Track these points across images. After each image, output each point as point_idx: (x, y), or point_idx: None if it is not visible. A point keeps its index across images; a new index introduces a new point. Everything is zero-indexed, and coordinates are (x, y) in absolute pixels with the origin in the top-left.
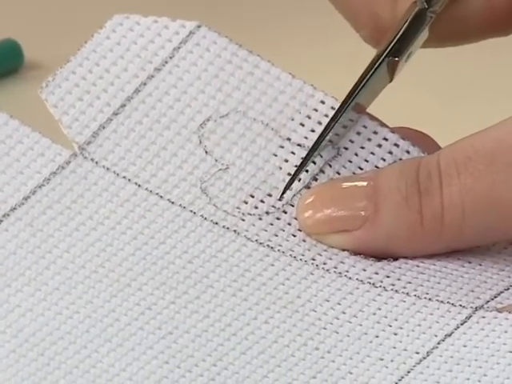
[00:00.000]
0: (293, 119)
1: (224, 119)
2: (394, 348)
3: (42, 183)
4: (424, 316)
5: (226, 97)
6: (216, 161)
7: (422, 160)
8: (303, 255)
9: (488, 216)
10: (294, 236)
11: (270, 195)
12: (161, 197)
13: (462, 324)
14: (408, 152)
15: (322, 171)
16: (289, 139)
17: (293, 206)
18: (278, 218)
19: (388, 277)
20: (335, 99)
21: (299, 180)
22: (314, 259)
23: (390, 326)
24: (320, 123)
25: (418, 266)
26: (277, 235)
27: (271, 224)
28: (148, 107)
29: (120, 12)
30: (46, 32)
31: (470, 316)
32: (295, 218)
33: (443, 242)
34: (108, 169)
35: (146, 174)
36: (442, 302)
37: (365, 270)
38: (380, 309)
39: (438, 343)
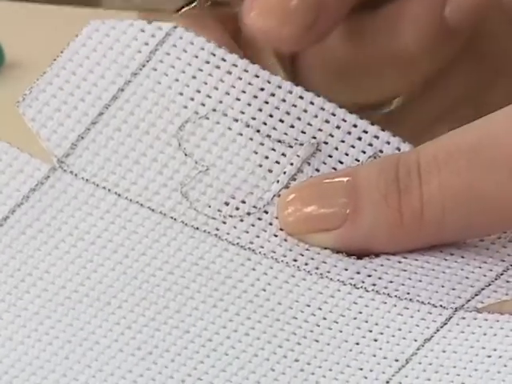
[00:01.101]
0: (272, 116)
1: (203, 120)
2: (374, 356)
3: (21, 201)
4: (404, 319)
5: (204, 97)
6: (196, 163)
7: (401, 157)
8: (285, 256)
9: (469, 213)
10: (276, 236)
11: (251, 193)
12: (141, 205)
13: (441, 327)
14: (388, 143)
15: (300, 170)
16: (269, 136)
17: (274, 205)
18: (259, 219)
19: (369, 276)
20: (314, 94)
21: (277, 181)
22: (295, 260)
23: (371, 332)
24: (299, 119)
25: (399, 262)
26: (258, 236)
27: (252, 225)
28: (126, 113)
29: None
30: (28, 32)
31: (451, 317)
32: (276, 218)
33: (423, 239)
34: (87, 180)
35: (125, 182)
36: (422, 302)
37: (346, 270)
38: (361, 312)
39: (418, 349)
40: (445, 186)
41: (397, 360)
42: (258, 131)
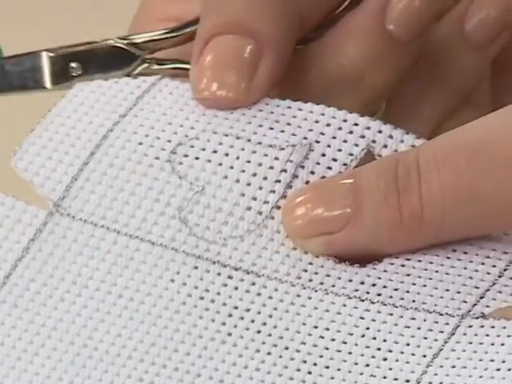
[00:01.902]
0: (261, 126)
1: (194, 141)
2: (385, 378)
3: (21, 255)
4: (412, 332)
5: (193, 123)
6: (191, 184)
7: (400, 156)
8: (288, 274)
9: (469, 212)
10: (278, 253)
11: (248, 209)
12: (141, 240)
13: (449, 338)
14: (380, 132)
15: (295, 176)
16: (260, 143)
17: (273, 218)
18: (260, 235)
19: (374, 285)
20: (302, 102)
21: (274, 192)
22: (299, 277)
23: (379, 350)
24: (289, 124)
25: (402, 266)
26: (260, 256)
27: (253, 244)
28: (117, 149)
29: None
30: (26, 34)
31: (458, 326)
32: (277, 232)
33: (423, 238)
34: (85, 221)
35: (123, 216)
36: (428, 311)
37: (351, 281)
38: (368, 328)
39: (427, 366)
40: (445, 185)
41: (408, 381)
42: (249, 140)
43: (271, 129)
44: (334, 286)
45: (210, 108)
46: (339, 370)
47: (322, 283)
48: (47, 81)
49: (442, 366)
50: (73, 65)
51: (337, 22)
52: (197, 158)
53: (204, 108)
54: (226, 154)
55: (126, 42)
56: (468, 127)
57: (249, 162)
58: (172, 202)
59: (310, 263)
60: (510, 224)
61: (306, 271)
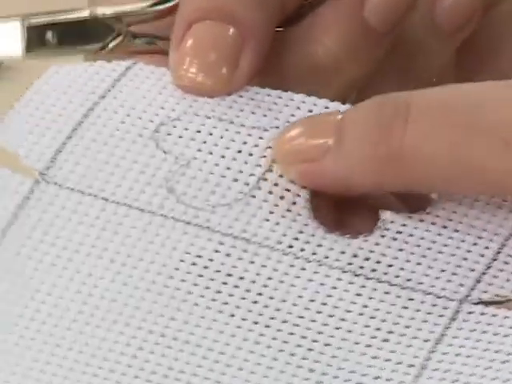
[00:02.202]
0: (242, 110)
1: (176, 121)
2: (389, 361)
3: (11, 221)
4: (411, 314)
5: (174, 105)
6: (177, 158)
7: (393, 95)
8: (280, 243)
9: (448, 170)
10: (267, 221)
11: (235, 180)
12: (129, 206)
13: (450, 323)
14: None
15: None
16: (243, 125)
17: (260, 189)
18: (247, 204)
19: (367, 259)
20: (281, 91)
21: (260, 165)
22: (290, 246)
23: (379, 330)
24: (270, 109)
25: (394, 240)
26: (250, 223)
27: (242, 212)
28: (100, 126)
29: None
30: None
31: (457, 311)
32: (265, 201)
33: (398, 179)
34: (72, 189)
35: (110, 185)
36: (425, 292)
37: (343, 253)
38: (366, 306)
39: (431, 351)
40: (431, 133)
41: (412, 365)
42: (232, 122)
43: (253, 113)
44: (327, 257)
45: (189, 94)
46: (340, 348)
47: (314, 253)
48: (22, 48)
49: (446, 353)
50: (48, 34)
51: (317, 5)
52: (180, 137)
53: (183, 93)
54: (210, 134)
55: (103, 13)
56: (465, 87)
57: (233, 140)
58: (158, 174)
59: (300, 231)
60: (489, 191)
61: (297, 239)
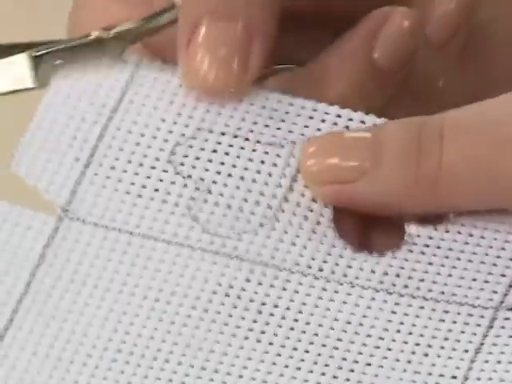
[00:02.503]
0: (256, 123)
1: (191, 141)
2: (430, 375)
3: (39, 262)
4: (448, 326)
5: (187, 119)
6: (196, 183)
7: (426, 120)
8: (310, 267)
9: (483, 185)
10: (294, 245)
11: (257, 203)
12: (155, 239)
13: (488, 331)
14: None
15: (299, 171)
16: (259, 142)
17: (283, 211)
18: (273, 229)
19: (398, 276)
20: (291, 96)
21: (280, 186)
22: (321, 269)
23: (418, 345)
24: (283, 121)
25: (423, 254)
26: (277, 249)
27: (268, 237)
28: (116, 150)
29: None
30: (24, 30)
31: (494, 319)
32: (290, 225)
33: (436, 202)
34: (96, 224)
35: (133, 217)
36: (460, 303)
37: (374, 272)
38: (402, 323)
39: (472, 362)
40: (464, 156)
41: (455, 377)
42: (247, 139)
43: (266, 126)
44: (357, 278)
45: (202, 97)
46: (381, 367)
47: (345, 275)
48: (33, 80)
49: (487, 362)
50: (57, 63)
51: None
52: (197, 159)
53: (194, 100)
54: (227, 154)
55: (109, 32)
56: (492, 102)
57: (250, 160)
58: (180, 202)
59: (328, 253)
60: None
61: (326, 262)
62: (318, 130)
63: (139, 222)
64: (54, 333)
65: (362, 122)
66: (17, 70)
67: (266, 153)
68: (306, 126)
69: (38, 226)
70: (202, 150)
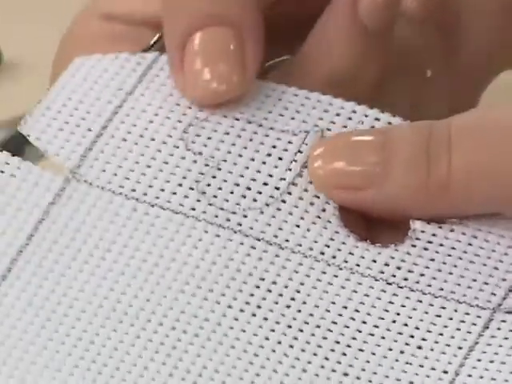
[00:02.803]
0: (271, 112)
1: (205, 122)
2: (422, 367)
3: (42, 218)
4: (444, 321)
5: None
6: (206, 160)
7: (433, 125)
8: (311, 249)
9: (494, 188)
10: (298, 227)
11: (265, 184)
12: (161, 207)
13: (483, 331)
14: (390, 123)
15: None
16: (272, 128)
17: (290, 194)
18: (278, 209)
19: (399, 268)
20: (308, 91)
21: (290, 170)
22: (322, 253)
23: (413, 337)
24: (298, 111)
25: (426, 250)
26: (281, 228)
27: (273, 216)
28: (129, 125)
29: None
30: (25, 31)
31: (490, 320)
32: (295, 207)
33: (447, 206)
34: (103, 188)
35: (141, 186)
36: (458, 301)
37: (375, 262)
38: (399, 314)
39: (465, 358)
40: (472, 161)
41: (446, 372)
42: (261, 125)
43: (281, 115)
44: (358, 265)
45: (205, 106)
46: (374, 354)
47: (346, 261)
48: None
49: (480, 360)
50: None
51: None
52: (209, 138)
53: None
54: (239, 136)
55: None
56: (499, 109)
57: (262, 144)
58: (188, 176)
59: (331, 238)
60: None
61: (328, 247)
62: (332, 122)
63: (146, 190)
64: (50, 286)
65: (377, 119)
66: None
67: (279, 139)
68: (321, 119)
69: (44, 183)
70: (215, 131)
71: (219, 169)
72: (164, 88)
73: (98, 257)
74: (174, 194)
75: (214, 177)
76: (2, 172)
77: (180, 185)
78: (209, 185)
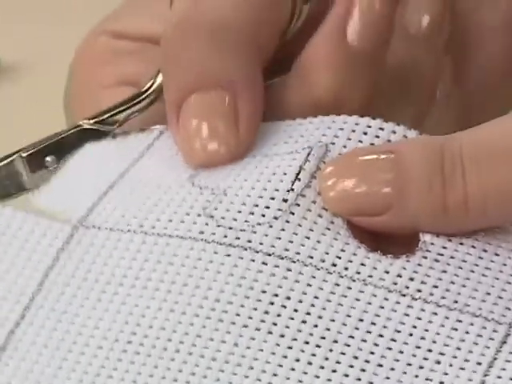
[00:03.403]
0: (276, 144)
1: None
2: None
3: (52, 263)
4: (460, 335)
5: None
6: (213, 189)
7: (445, 146)
8: (323, 261)
9: (509, 204)
10: (308, 238)
11: (272, 198)
12: (169, 236)
13: (501, 347)
14: (394, 132)
15: (318, 168)
16: (277, 154)
17: (298, 205)
18: (287, 221)
19: (412, 279)
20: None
21: (299, 180)
22: (334, 264)
23: (431, 352)
24: (302, 136)
25: (436, 261)
26: (291, 241)
27: (283, 229)
28: (138, 177)
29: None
30: (23, 35)
31: (508, 335)
32: (304, 219)
33: (466, 226)
34: (111, 229)
35: (148, 221)
36: (474, 314)
37: (387, 273)
38: (415, 327)
39: (485, 375)
40: (486, 181)
41: None
42: (266, 155)
43: (286, 143)
44: (371, 276)
45: (204, 167)
46: (393, 369)
47: (358, 272)
48: (27, 182)
49: (500, 377)
50: (48, 159)
51: (292, 43)
52: (214, 174)
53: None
54: (244, 168)
55: (92, 121)
56: (508, 126)
57: (267, 167)
58: (195, 205)
59: (342, 250)
60: None
61: (339, 258)
62: (336, 136)
63: (154, 224)
64: (64, 327)
65: (381, 128)
66: (13, 172)
67: (283, 159)
68: (324, 135)
69: (53, 233)
70: (222, 168)
71: (225, 194)
72: (170, 151)
73: (111, 293)
74: (182, 222)
75: (220, 201)
76: (9, 226)
77: (187, 214)
78: (216, 209)
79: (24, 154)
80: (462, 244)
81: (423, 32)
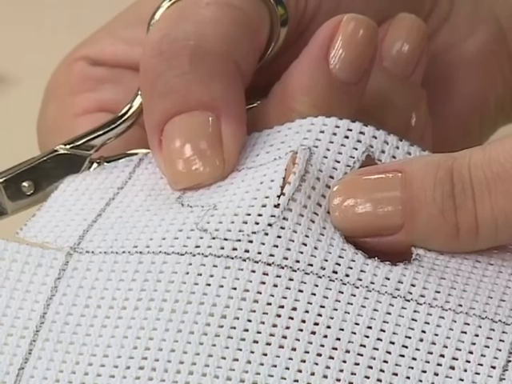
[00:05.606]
0: (258, 155)
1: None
2: None
3: (51, 294)
4: (471, 338)
5: None
6: (203, 206)
7: (454, 169)
8: (323, 268)
9: None
10: (305, 245)
11: (264, 206)
12: (166, 253)
13: None
14: (375, 137)
15: (306, 171)
16: (261, 165)
17: (290, 210)
18: (282, 228)
19: (413, 285)
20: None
21: (289, 183)
22: (335, 271)
23: (443, 357)
24: (283, 142)
25: (433, 270)
26: (289, 249)
27: (279, 236)
28: (126, 205)
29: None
30: (19, 46)
31: None
32: (298, 224)
33: (475, 249)
34: (105, 252)
35: (142, 241)
36: (480, 317)
37: (388, 279)
38: (424, 331)
39: (500, 380)
40: (496, 205)
41: None
42: (250, 168)
43: (268, 153)
44: (372, 282)
45: (188, 189)
46: (408, 378)
47: (359, 279)
48: (6, 206)
49: None
50: (24, 184)
51: (269, 66)
52: (203, 194)
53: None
54: (231, 183)
55: (69, 147)
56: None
57: (253, 178)
58: (187, 222)
59: (340, 256)
60: None
61: (339, 265)
62: (317, 139)
63: (148, 243)
64: (74, 358)
65: (362, 132)
66: None
67: (268, 168)
68: (305, 138)
69: (47, 262)
70: (208, 188)
71: (216, 209)
72: (154, 176)
73: (115, 317)
74: (176, 238)
75: (212, 215)
76: (3, 259)
77: (180, 230)
78: (208, 222)
79: (0, 180)
80: (453, 257)
81: (400, 64)
